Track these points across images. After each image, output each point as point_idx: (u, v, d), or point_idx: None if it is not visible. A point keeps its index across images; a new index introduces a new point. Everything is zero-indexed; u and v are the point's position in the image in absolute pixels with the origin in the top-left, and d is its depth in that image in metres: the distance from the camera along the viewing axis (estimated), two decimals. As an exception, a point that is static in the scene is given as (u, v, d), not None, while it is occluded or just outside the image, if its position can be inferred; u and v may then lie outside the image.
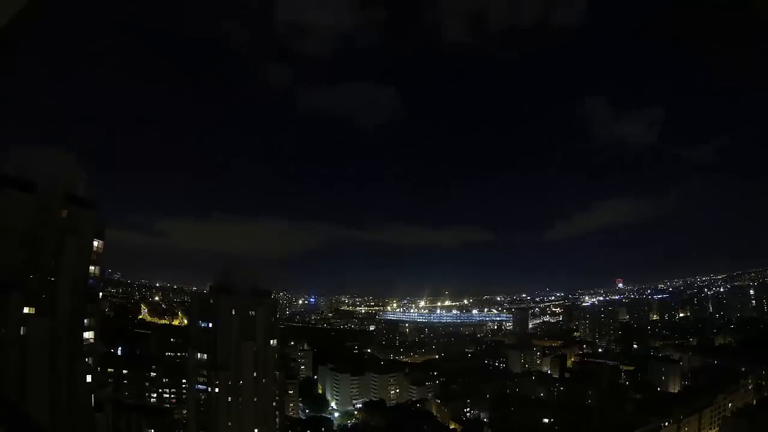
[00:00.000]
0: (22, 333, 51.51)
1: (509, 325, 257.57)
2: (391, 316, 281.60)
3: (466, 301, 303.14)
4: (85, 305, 58.95)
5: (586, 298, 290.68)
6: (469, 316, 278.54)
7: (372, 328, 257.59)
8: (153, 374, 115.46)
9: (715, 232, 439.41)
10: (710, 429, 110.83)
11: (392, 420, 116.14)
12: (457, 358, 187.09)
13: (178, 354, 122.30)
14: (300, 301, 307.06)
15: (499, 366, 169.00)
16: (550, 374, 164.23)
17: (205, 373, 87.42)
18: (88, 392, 59.37)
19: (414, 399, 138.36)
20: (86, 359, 58.79)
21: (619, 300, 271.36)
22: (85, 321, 59.00)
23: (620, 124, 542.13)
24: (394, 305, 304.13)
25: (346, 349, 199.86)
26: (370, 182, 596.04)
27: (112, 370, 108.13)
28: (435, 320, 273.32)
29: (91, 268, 60.48)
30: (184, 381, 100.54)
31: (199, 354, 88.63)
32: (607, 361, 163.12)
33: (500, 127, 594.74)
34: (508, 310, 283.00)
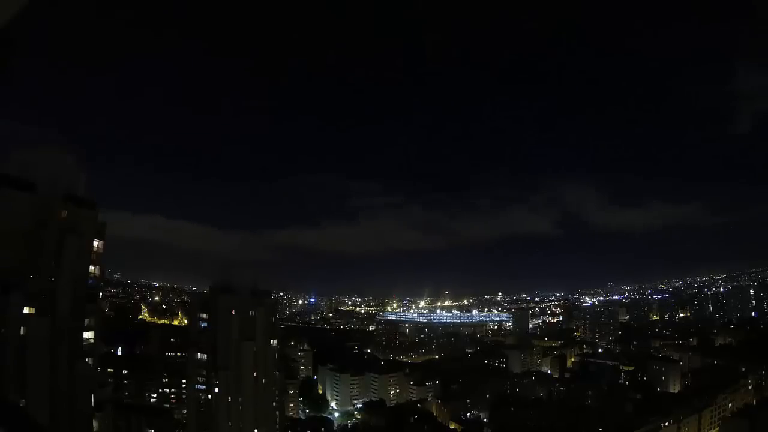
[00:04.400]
0: (22, 333, 51.52)
1: (509, 325, 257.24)
2: (390, 317, 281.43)
3: (466, 301, 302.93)
4: (85, 305, 58.96)
5: (586, 298, 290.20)
6: (469, 316, 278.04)
7: (372, 328, 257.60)
8: (153, 374, 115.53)
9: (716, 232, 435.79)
10: (710, 429, 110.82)
11: (392, 420, 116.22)
12: (457, 358, 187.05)
13: (178, 354, 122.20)
14: (300, 301, 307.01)
15: (499, 366, 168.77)
16: (550, 374, 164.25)
17: (205, 373, 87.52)
18: (88, 392, 59.35)
19: (414, 399, 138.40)
20: (86, 359, 58.77)
21: (619, 300, 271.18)
22: (85, 321, 59.02)
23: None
24: (394, 305, 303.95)
25: (346, 349, 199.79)
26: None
27: (112, 370, 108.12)
28: (435, 320, 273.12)
29: (91, 268, 60.50)
30: (184, 381, 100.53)
31: (199, 354, 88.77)
32: (607, 361, 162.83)
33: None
34: (508, 310, 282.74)
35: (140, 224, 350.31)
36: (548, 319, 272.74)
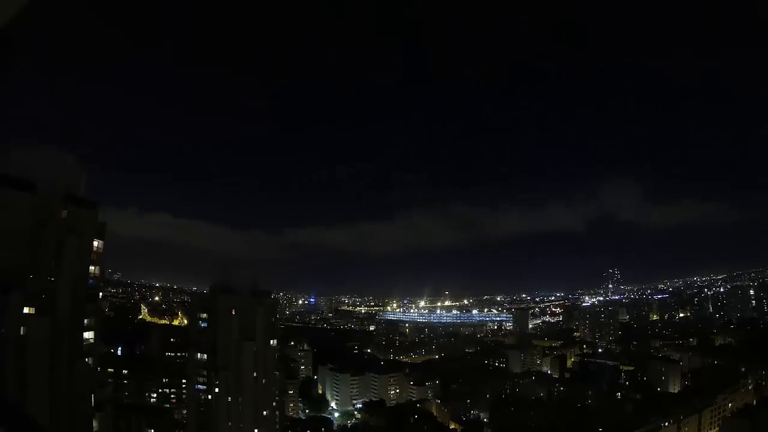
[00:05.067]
0: (22, 333, 51.50)
1: (509, 325, 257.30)
2: (391, 317, 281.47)
3: (465, 301, 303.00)
4: (85, 305, 58.93)
5: (586, 298, 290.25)
6: (469, 316, 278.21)
7: (372, 328, 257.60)
8: (153, 374, 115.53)
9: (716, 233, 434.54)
10: (710, 429, 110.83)
11: (392, 420, 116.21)
12: (457, 358, 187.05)
13: (178, 354, 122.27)
14: (300, 301, 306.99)
15: (499, 366, 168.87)
16: (550, 374, 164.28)
17: (205, 373, 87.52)
18: (88, 392, 59.35)
19: (414, 399, 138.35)
20: (86, 359, 58.77)
21: (619, 300, 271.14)
22: (85, 321, 58.99)
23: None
24: (394, 305, 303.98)
25: (346, 349, 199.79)
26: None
27: (112, 370, 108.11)
28: (435, 320, 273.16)
29: (91, 268, 60.48)
30: (184, 381, 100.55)
31: (199, 354, 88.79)
32: (607, 361, 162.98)
33: None
34: (508, 310, 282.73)
35: (148, 222, 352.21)
36: (548, 319, 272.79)
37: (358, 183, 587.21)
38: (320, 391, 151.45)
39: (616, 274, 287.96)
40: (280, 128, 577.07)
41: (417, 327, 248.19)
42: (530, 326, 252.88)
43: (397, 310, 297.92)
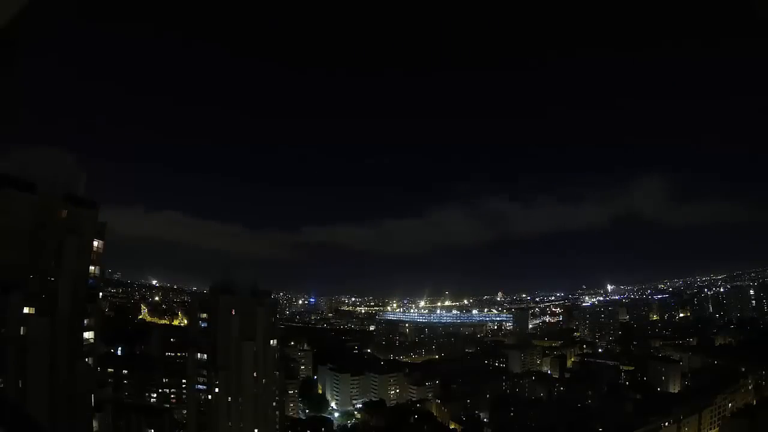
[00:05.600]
0: (22, 333, 51.53)
1: (509, 325, 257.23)
2: (390, 317, 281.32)
3: (465, 301, 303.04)
4: (85, 305, 59.00)
5: (586, 298, 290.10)
6: (469, 316, 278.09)
7: (372, 328, 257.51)
8: (153, 374, 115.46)
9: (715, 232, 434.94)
10: (710, 429, 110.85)
11: (392, 420, 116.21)
12: (457, 358, 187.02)
13: (178, 354, 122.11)
14: (300, 301, 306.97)
15: (499, 366, 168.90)
16: (550, 374, 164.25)
17: (205, 373, 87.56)
18: (88, 392, 59.37)
19: (414, 399, 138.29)
20: (86, 359, 58.80)
21: (619, 300, 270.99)
22: (85, 321, 59.04)
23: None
24: (394, 305, 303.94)
25: (346, 349, 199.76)
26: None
27: (112, 370, 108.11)
28: (435, 320, 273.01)
29: (91, 268, 60.52)
30: (184, 381, 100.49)
31: (199, 354, 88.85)
32: (607, 361, 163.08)
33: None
34: (508, 310, 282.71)
35: (152, 221, 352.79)
36: (548, 319, 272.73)
37: (358, 182, 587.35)
38: (320, 391, 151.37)
39: (616, 274, 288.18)
40: (282, 127, 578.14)
41: (417, 327, 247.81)
42: (530, 326, 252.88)
43: (397, 310, 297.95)
